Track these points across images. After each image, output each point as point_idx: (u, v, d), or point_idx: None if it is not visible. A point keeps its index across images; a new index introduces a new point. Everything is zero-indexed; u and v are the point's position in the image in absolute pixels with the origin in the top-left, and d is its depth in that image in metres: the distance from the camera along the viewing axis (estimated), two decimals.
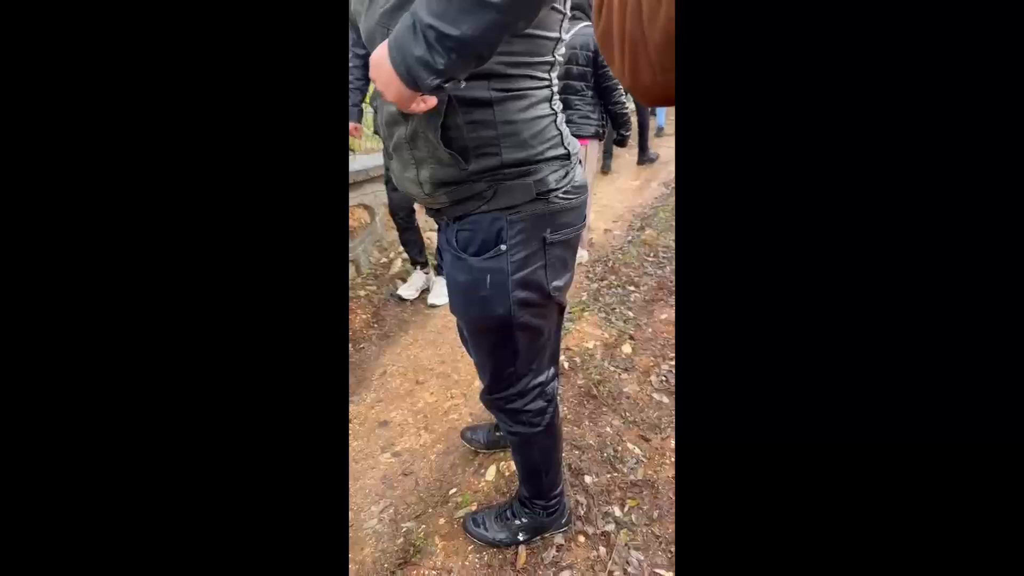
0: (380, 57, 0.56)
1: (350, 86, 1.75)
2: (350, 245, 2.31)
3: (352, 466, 1.31)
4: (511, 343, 0.80)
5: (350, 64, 1.71)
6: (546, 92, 0.70)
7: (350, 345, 1.87)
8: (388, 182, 1.94)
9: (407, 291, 2.12)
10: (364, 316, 2.04)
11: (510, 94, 0.65)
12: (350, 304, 2.07)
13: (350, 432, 1.44)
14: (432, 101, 0.59)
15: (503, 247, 0.71)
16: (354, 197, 2.30)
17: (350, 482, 1.27)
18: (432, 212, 0.79)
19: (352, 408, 1.54)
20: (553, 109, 0.71)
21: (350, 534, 1.12)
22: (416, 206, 1.99)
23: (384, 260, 2.47)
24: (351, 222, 2.31)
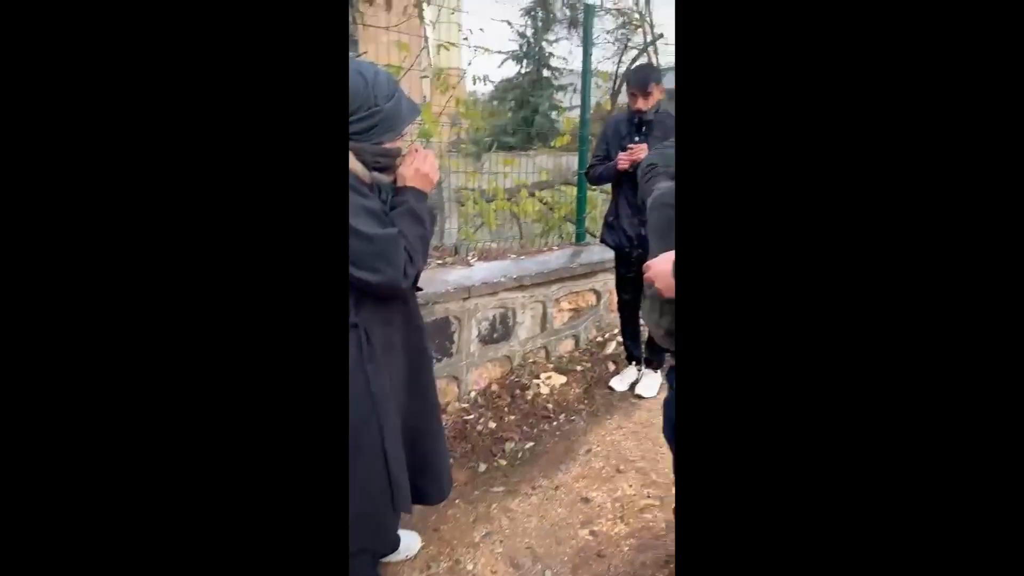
0: (667, 268, 0.83)
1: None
2: (575, 322, 2.64)
3: (555, 532, 1.55)
4: None
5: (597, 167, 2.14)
6: None
7: (563, 415, 2.15)
8: (619, 284, 2.23)
9: (619, 384, 2.32)
10: (577, 391, 2.32)
11: None
12: (567, 377, 2.38)
13: (555, 499, 1.68)
14: None
15: None
16: (587, 282, 2.65)
17: (552, 544, 1.50)
18: (661, 348, 0.99)
19: (560, 476, 1.79)
20: None
21: None
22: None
23: (600, 339, 2.74)
24: (580, 303, 2.66)
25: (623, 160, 1.97)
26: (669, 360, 1.04)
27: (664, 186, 0.92)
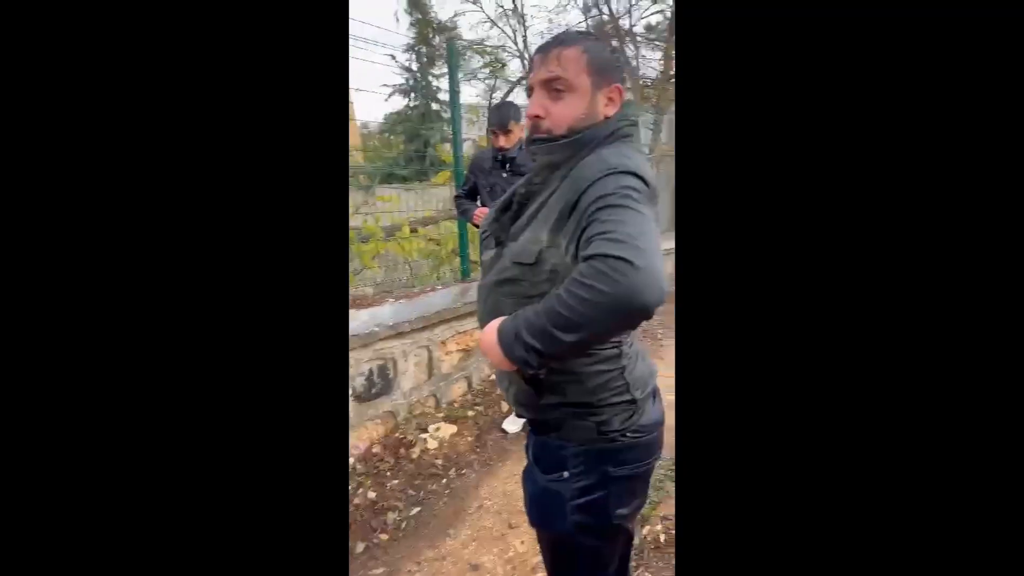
0: (491, 339, 0.71)
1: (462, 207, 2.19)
2: (465, 364, 2.53)
3: None
4: (569, 558, 0.86)
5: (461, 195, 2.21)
6: (614, 351, 0.78)
7: (453, 469, 2.00)
8: None
9: (511, 425, 2.23)
10: (469, 439, 2.18)
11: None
12: (457, 425, 2.24)
13: (441, 573, 1.52)
14: None
15: (565, 474, 0.79)
16: (474, 320, 2.55)
17: None
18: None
19: (448, 543, 1.63)
20: (622, 364, 0.79)
21: None
22: None
23: (493, 377, 2.64)
24: (469, 342, 2.55)
25: (477, 218, 2.01)
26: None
27: (487, 258, 0.84)
